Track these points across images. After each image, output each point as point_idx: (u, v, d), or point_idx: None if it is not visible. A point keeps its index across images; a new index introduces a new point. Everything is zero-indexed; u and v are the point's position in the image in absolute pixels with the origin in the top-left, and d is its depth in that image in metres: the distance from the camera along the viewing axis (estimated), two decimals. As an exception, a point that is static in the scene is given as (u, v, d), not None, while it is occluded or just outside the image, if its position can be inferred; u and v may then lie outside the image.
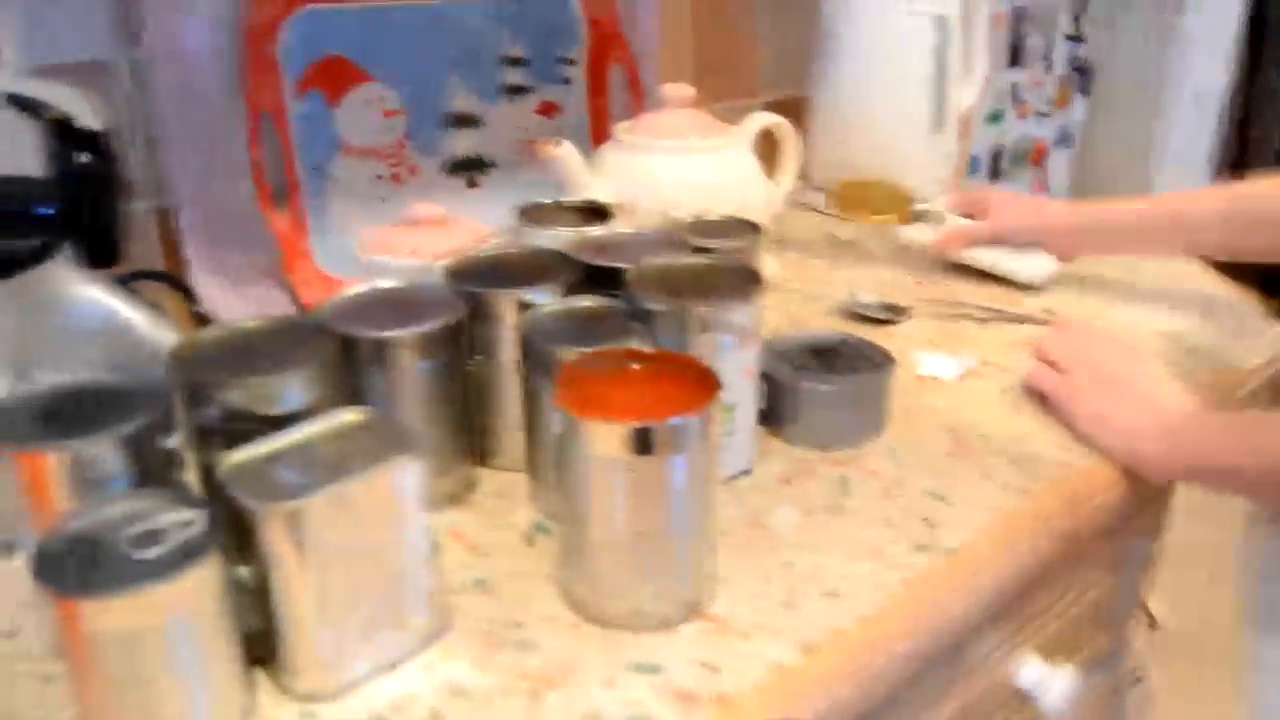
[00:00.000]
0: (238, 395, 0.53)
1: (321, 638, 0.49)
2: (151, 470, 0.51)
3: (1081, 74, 1.99)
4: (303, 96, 0.89)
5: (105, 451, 0.49)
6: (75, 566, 0.44)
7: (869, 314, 0.91)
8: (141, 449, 0.50)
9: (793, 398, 0.71)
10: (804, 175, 1.04)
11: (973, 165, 1.82)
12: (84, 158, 0.65)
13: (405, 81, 0.95)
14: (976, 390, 0.79)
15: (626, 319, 0.63)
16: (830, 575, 0.59)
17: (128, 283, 0.71)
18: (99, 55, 0.81)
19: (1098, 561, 0.81)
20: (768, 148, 0.97)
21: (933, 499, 0.66)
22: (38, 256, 0.62)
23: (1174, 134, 1.98)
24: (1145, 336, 0.87)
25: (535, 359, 0.62)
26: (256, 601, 0.48)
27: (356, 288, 0.65)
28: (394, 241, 0.78)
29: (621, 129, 0.94)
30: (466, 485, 0.67)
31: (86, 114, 0.65)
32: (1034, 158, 1.96)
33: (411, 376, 0.61)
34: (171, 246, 0.87)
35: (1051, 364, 0.76)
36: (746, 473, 0.68)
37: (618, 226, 0.78)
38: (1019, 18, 1.78)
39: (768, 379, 0.71)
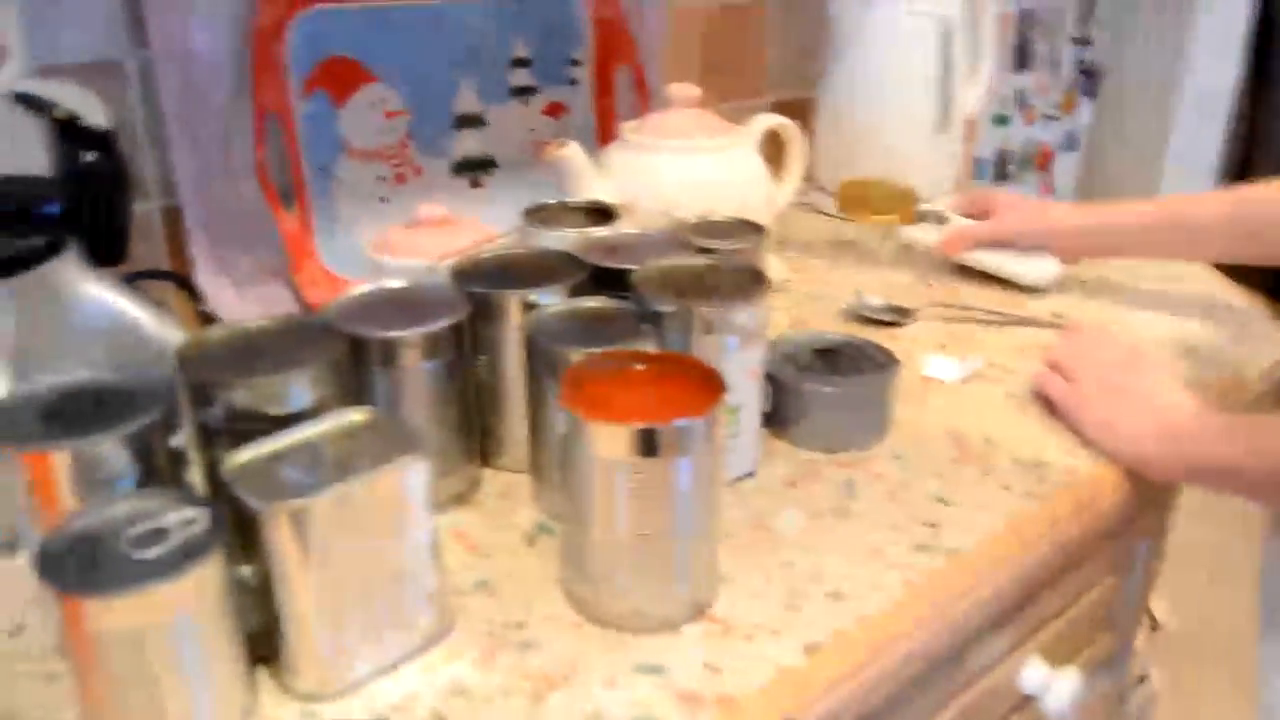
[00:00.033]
0: (243, 395, 0.53)
1: (324, 637, 0.49)
2: (156, 469, 0.51)
3: (1088, 77, 1.99)
4: (308, 97, 0.89)
5: (110, 450, 0.49)
6: (79, 565, 0.44)
7: (874, 316, 0.91)
8: (146, 448, 0.50)
9: (797, 399, 0.71)
10: (809, 176, 1.04)
11: (979, 168, 1.82)
12: (90, 157, 0.65)
13: (410, 82, 0.95)
14: (981, 393, 0.79)
15: (632, 320, 0.63)
16: (834, 577, 0.59)
17: (133, 282, 0.71)
18: (106, 55, 0.81)
19: (1101, 563, 0.80)
20: (773, 148, 0.97)
21: (937, 501, 0.66)
22: (44, 255, 0.62)
23: (1180, 137, 1.98)
24: (1149, 340, 0.87)
25: (540, 360, 0.62)
26: (259, 601, 0.48)
27: (362, 287, 0.65)
28: (399, 242, 0.78)
29: (627, 129, 0.94)
30: (470, 485, 0.67)
31: (93, 113, 0.65)
32: (1040, 161, 1.96)
33: (416, 376, 0.61)
34: (177, 246, 0.87)
35: (1059, 370, 0.76)
36: (750, 474, 0.68)
37: (623, 227, 0.78)
38: (1026, 21, 1.78)
39: (772, 380, 0.71)
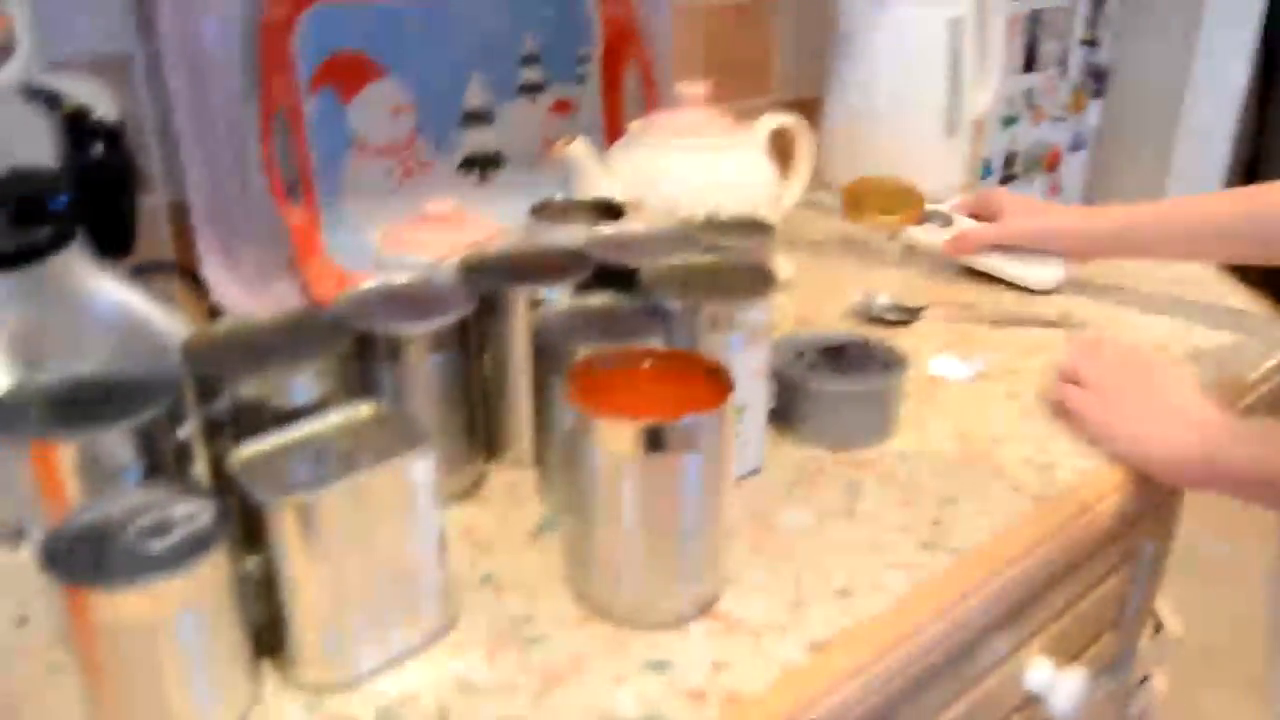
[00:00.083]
0: (249, 388, 0.53)
1: (329, 631, 0.49)
2: (162, 462, 0.51)
3: (1096, 78, 1.98)
4: (316, 92, 0.89)
5: (116, 443, 0.49)
6: (85, 557, 0.44)
7: (881, 315, 0.91)
8: (152, 441, 0.50)
9: (804, 398, 0.71)
10: (817, 175, 1.04)
11: (986, 169, 1.81)
12: (99, 150, 0.65)
13: (418, 78, 0.95)
14: (988, 393, 0.79)
15: (639, 317, 0.63)
16: (840, 575, 0.58)
17: (141, 275, 0.71)
18: (115, 48, 0.81)
19: (1106, 564, 0.80)
20: (781, 147, 0.97)
21: (943, 500, 0.66)
22: (51, 247, 0.62)
23: (1189, 138, 1.97)
24: (1156, 341, 0.86)
25: (547, 356, 0.62)
26: (265, 593, 0.48)
27: (369, 282, 0.65)
28: (407, 237, 0.78)
29: (635, 127, 0.94)
30: (476, 481, 0.67)
31: (102, 106, 0.65)
32: (1048, 162, 1.95)
33: (423, 371, 0.61)
34: (185, 240, 0.87)
35: (1079, 382, 0.74)
36: (756, 472, 0.68)
37: (630, 224, 0.78)
38: (1034, 22, 1.78)
39: (779, 378, 0.70)
